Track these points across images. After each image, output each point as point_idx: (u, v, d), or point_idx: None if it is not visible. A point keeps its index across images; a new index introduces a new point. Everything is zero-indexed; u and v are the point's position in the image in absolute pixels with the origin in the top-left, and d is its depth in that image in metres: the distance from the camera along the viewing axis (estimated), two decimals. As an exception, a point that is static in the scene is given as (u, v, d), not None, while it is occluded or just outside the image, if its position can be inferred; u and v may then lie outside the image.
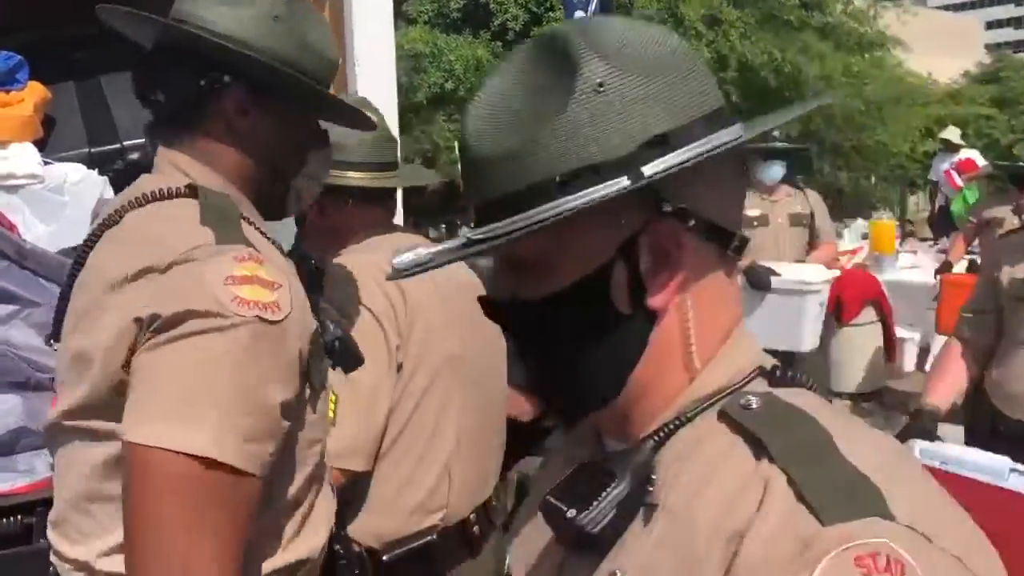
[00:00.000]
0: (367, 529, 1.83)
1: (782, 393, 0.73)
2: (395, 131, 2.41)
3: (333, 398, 1.68)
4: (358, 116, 1.51)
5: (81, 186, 2.59)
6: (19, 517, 1.98)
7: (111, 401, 1.15)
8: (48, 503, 1.40)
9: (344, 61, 2.64)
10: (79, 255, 1.32)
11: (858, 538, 0.59)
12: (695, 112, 0.73)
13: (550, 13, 14.57)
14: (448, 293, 1.90)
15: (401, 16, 15.03)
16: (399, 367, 1.82)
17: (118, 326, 1.14)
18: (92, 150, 2.86)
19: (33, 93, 2.68)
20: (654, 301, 0.74)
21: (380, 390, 1.78)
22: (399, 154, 2.08)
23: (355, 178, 1.91)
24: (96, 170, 2.69)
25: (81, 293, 1.26)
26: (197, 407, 1.07)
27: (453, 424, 1.89)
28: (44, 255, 2.30)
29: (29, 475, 2.08)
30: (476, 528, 1.92)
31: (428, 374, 1.85)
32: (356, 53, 2.64)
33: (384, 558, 1.82)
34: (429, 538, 1.85)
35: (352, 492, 1.82)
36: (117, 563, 1.15)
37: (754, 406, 0.71)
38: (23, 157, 2.56)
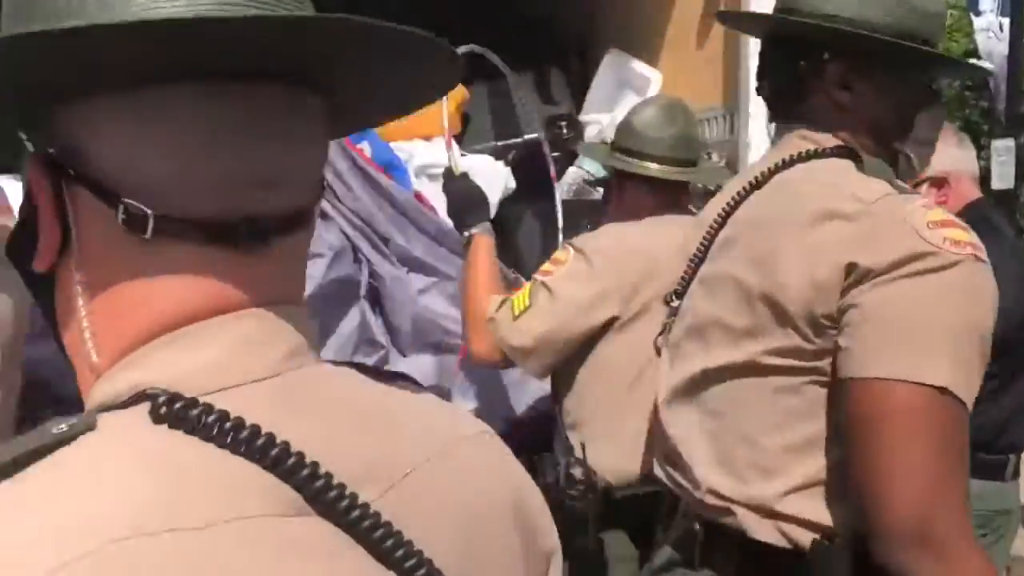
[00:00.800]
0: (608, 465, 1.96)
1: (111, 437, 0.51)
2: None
3: None
4: (971, 67, 1.61)
5: (490, 175, 2.91)
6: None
7: (807, 341, 1.24)
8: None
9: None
10: (713, 225, 1.47)
11: None
12: None
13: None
14: None
15: None
16: None
17: (819, 269, 1.21)
18: (498, 143, 3.21)
19: (455, 93, 3.05)
20: (35, 262, 0.58)
21: None
22: (702, 152, 2.30)
23: (653, 169, 2.13)
24: (501, 161, 3.02)
25: (741, 246, 1.37)
26: (935, 342, 1.15)
27: None
28: (453, 233, 2.62)
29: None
30: None
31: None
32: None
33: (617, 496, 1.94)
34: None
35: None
36: (798, 504, 1.26)
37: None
38: (444, 149, 2.93)
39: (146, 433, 0.51)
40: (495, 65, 3.41)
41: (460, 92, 3.09)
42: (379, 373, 0.68)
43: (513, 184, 2.95)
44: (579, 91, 3.45)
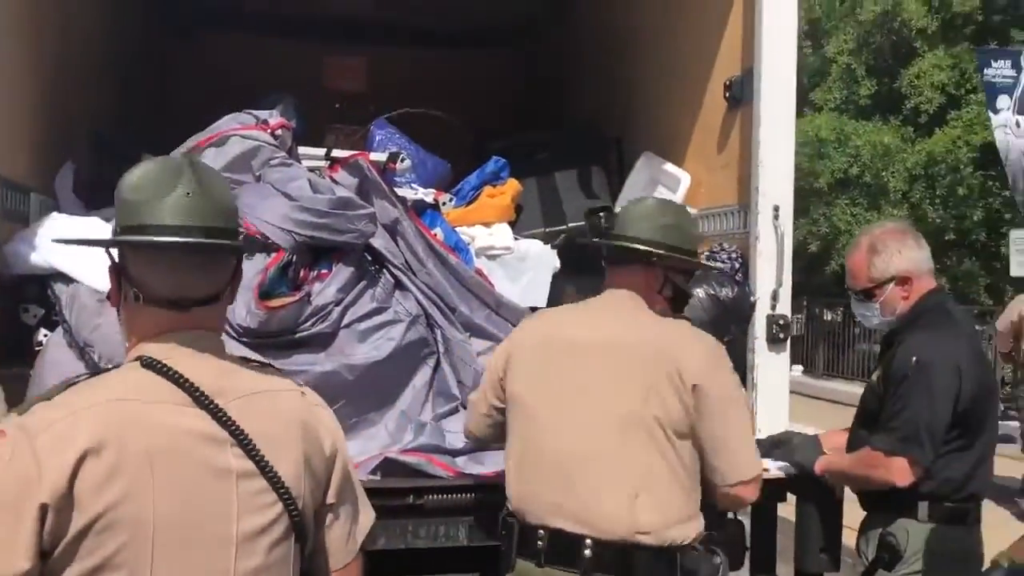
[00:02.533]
0: None
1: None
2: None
3: None
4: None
5: (539, 258, 3.40)
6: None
7: None
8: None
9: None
10: None
11: None
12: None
13: (972, 96, 13.91)
14: None
15: (808, 104, 15.25)
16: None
17: None
18: (547, 229, 3.70)
19: (511, 187, 3.59)
20: (111, 302, 1.46)
21: None
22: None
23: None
24: (549, 245, 3.51)
25: None
26: None
27: None
28: (514, 307, 3.09)
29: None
30: None
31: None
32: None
33: None
34: None
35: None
36: None
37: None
38: (501, 234, 3.45)
39: (135, 370, 1.36)
40: (543, 162, 3.95)
41: (514, 186, 3.62)
42: (248, 361, 1.51)
43: (559, 263, 3.42)
44: (616, 186, 3.94)
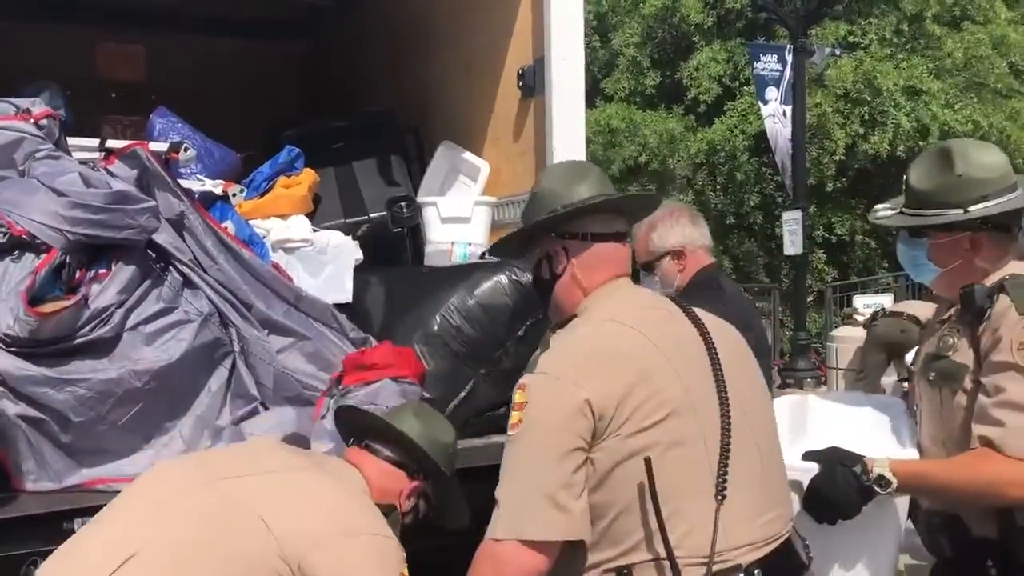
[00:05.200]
0: None
1: None
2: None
3: None
4: None
5: (340, 248, 3.32)
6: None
7: None
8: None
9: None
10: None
11: None
12: None
13: (745, 87, 14.93)
14: None
15: (599, 93, 15.85)
16: None
17: None
18: (347, 220, 3.62)
19: (307, 177, 3.47)
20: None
21: None
22: None
23: None
24: (350, 236, 3.43)
25: None
26: None
27: None
28: (315, 301, 3.00)
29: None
30: None
31: None
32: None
33: None
34: None
35: None
36: None
37: None
38: (299, 226, 3.33)
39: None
40: (339, 151, 3.86)
41: (310, 176, 3.51)
42: None
43: (361, 255, 3.36)
44: (417, 175, 3.92)
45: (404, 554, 1.88)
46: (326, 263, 3.31)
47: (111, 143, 3.07)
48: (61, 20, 4.87)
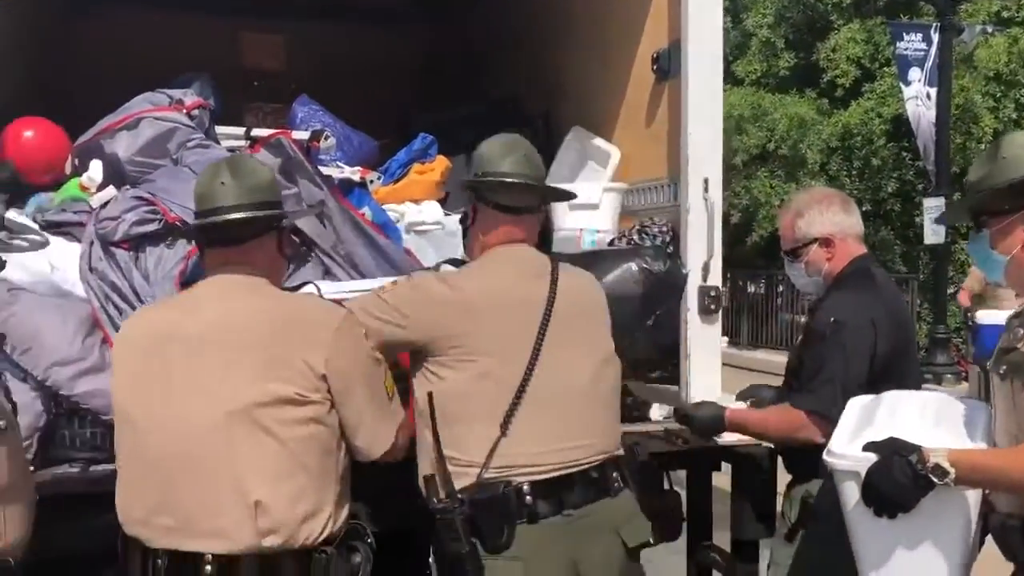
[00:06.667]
0: None
1: None
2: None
3: None
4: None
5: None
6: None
7: None
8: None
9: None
10: None
11: None
12: None
13: (885, 68, 14.26)
14: None
15: (730, 76, 15.44)
16: None
17: None
18: (476, 206, 3.65)
19: (439, 164, 3.53)
20: None
21: None
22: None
23: None
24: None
25: None
26: None
27: None
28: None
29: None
30: None
31: None
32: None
33: None
34: None
35: None
36: None
37: None
38: (431, 210, 3.39)
39: None
40: (470, 138, 3.90)
41: (443, 163, 3.56)
42: None
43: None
44: (544, 162, 3.91)
45: None
46: (456, 246, 3.35)
47: (256, 132, 3.19)
48: (208, 11, 5.09)
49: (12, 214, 2.80)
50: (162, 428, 1.93)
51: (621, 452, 2.31)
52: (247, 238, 2.05)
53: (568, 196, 2.65)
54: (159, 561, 1.89)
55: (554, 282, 2.26)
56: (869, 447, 2.00)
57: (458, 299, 2.18)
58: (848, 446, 2.07)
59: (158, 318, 2.09)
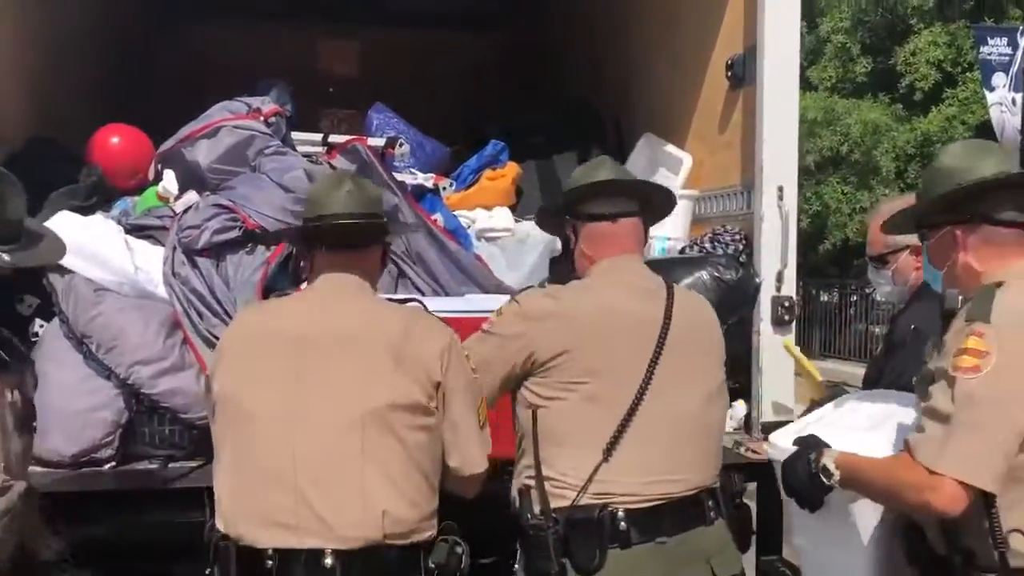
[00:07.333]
0: None
1: None
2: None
3: None
4: None
5: (539, 239, 3.36)
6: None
7: None
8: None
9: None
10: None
11: None
12: None
13: (967, 74, 13.84)
14: None
15: (804, 82, 15.17)
16: None
17: None
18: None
19: (510, 170, 3.55)
20: None
21: None
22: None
23: None
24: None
25: None
26: None
27: None
28: (514, 291, 3.04)
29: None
30: None
31: None
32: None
33: None
34: None
35: None
36: None
37: None
38: (501, 217, 3.41)
39: None
40: (541, 144, 3.92)
41: (514, 169, 3.58)
42: None
43: (560, 247, 3.38)
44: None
45: None
46: (526, 253, 3.36)
47: (333, 138, 3.25)
48: (285, 20, 5.21)
49: (98, 216, 2.92)
50: (291, 427, 1.89)
51: (718, 484, 2.21)
52: (362, 244, 2.08)
53: (666, 192, 2.41)
54: (269, 562, 1.85)
55: (670, 304, 2.15)
56: (796, 442, 2.05)
57: (565, 313, 2.10)
58: (791, 436, 2.11)
59: (273, 318, 2.06)
